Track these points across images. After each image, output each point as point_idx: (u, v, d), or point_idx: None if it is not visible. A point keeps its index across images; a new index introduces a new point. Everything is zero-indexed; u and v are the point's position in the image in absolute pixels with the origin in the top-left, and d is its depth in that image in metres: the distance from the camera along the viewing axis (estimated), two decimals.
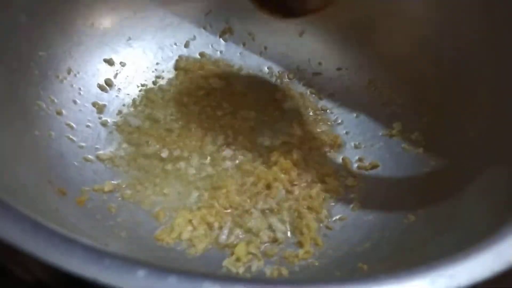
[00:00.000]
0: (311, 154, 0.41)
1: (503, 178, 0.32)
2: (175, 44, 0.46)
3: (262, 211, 0.37)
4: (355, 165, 0.41)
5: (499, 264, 0.22)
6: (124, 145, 0.40)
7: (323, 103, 0.45)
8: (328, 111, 0.44)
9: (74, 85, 0.40)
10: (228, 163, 0.40)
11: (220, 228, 0.36)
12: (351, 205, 0.38)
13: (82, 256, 0.20)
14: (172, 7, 0.46)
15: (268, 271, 0.34)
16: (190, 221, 0.36)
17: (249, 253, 0.35)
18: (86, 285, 0.21)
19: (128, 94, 0.42)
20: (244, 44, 0.47)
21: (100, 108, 0.41)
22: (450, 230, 0.32)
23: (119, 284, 0.20)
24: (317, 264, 0.34)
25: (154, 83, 0.44)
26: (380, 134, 0.42)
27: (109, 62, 0.43)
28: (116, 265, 0.20)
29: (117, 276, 0.20)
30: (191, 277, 0.20)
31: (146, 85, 0.43)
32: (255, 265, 0.34)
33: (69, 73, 0.40)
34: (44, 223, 0.22)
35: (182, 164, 0.39)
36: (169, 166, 0.39)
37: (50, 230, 0.21)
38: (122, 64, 0.43)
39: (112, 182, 0.37)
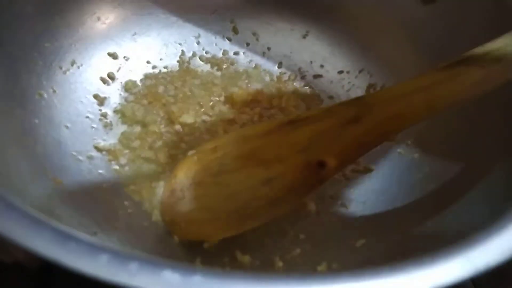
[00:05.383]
0: None
1: (495, 185, 0.32)
2: (180, 41, 0.46)
3: None
4: (349, 167, 0.40)
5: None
6: (122, 138, 0.40)
7: (323, 105, 0.44)
8: None
9: (77, 77, 0.41)
10: None
11: None
12: (342, 207, 0.38)
13: (48, 237, 0.21)
14: (178, 5, 0.46)
15: None
16: None
17: None
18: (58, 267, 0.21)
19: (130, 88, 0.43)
20: (247, 44, 0.47)
21: (101, 101, 0.41)
22: (438, 237, 0.31)
23: (80, 267, 0.20)
24: (299, 260, 0.34)
25: (156, 78, 0.44)
26: None
27: (113, 56, 0.43)
28: (81, 249, 0.21)
29: (80, 259, 0.20)
30: (152, 264, 0.20)
31: (148, 80, 0.44)
32: None
33: (72, 65, 0.41)
34: (16, 204, 0.22)
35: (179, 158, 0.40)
36: (166, 160, 0.39)
37: (21, 211, 0.22)
38: (126, 58, 0.44)
39: None
